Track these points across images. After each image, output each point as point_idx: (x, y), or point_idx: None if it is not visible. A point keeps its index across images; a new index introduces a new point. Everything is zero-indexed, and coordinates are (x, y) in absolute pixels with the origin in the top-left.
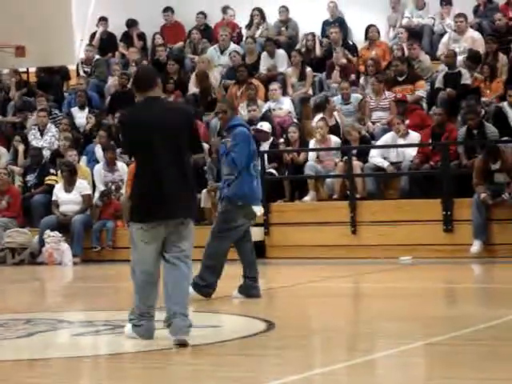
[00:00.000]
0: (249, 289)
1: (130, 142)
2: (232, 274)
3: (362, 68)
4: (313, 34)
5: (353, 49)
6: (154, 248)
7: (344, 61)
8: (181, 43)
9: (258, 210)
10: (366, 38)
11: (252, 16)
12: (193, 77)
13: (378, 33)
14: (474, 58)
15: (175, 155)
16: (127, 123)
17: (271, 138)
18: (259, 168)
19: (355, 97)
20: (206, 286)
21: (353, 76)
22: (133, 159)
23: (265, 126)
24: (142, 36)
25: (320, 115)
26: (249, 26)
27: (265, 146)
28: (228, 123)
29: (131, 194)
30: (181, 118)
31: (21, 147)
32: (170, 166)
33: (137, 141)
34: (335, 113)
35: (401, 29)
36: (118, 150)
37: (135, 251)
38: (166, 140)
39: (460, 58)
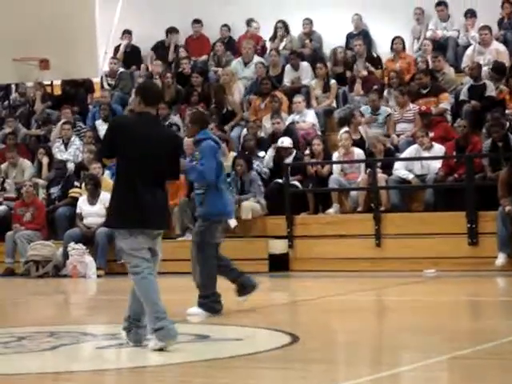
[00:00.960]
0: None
1: (119, 147)
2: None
3: (386, 80)
4: (342, 47)
5: (377, 61)
6: (146, 250)
7: (365, 73)
8: (205, 56)
9: (233, 222)
10: (392, 50)
11: (276, 28)
12: None
13: (403, 45)
14: (498, 70)
15: (159, 175)
16: (121, 130)
17: (294, 152)
18: (227, 180)
19: (384, 109)
20: (214, 302)
21: (376, 87)
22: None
23: (286, 142)
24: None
25: (345, 129)
26: (273, 39)
27: (288, 159)
28: (196, 136)
29: (112, 202)
30: (171, 142)
31: (45, 160)
32: (153, 183)
33: (128, 152)
34: (360, 126)
35: (426, 41)
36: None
37: (131, 257)
38: (156, 159)
39: (485, 70)
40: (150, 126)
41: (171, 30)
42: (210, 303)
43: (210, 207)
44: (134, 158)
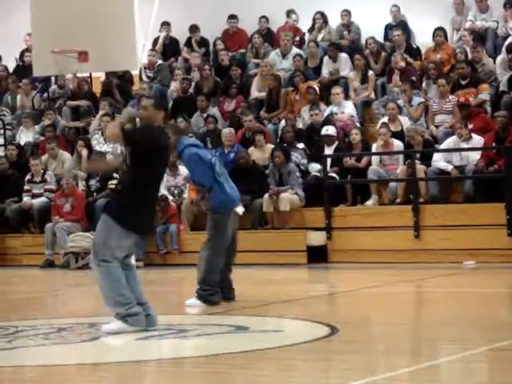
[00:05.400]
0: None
1: (148, 155)
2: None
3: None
4: (373, 38)
5: (416, 52)
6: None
7: (403, 64)
8: (243, 50)
9: (240, 210)
10: (434, 41)
11: (314, 20)
12: (255, 81)
13: (446, 36)
14: None
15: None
16: (152, 139)
17: (336, 143)
18: (223, 169)
19: (417, 100)
20: (211, 294)
21: (413, 79)
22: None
23: (330, 130)
24: (202, 42)
25: (383, 120)
26: (311, 30)
27: (330, 149)
28: (176, 149)
29: (126, 200)
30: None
31: (84, 152)
32: (158, 191)
33: (154, 161)
34: (399, 116)
35: (465, 32)
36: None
37: (109, 251)
38: (165, 169)
39: None
40: (165, 138)
41: (192, 29)
42: (207, 295)
43: (215, 201)
44: (156, 167)
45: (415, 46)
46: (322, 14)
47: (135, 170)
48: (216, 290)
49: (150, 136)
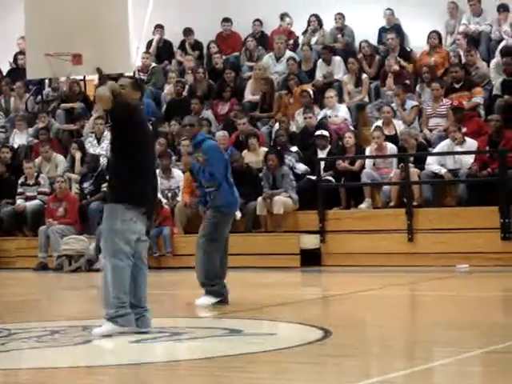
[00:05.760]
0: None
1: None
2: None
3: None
4: (366, 41)
5: (409, 55)
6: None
7: (396, 67)
8: (237, 52)
9: (238, 214)
10: (428, 44)
11: (309, 22)
12: (249, 84)
13: (440, 39)
14: None
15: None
16: (137, 113)
17: (329, 146)
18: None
19: (410, 103)
20: (221, 288)
21: (407, 82)
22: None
23: (324, 133)
24: (196, 45)
25: (376, 123)
26: (305, 33)
27: (322, 154)
28: (194, 139)
29: (124, 179)
30: None
31: (78, 155)
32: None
33: (137, 130)
34: (393, 120)
35: (459, 35)
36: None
37: (122, 241)
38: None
39: None
40: (143, 115)
41: (186, 32)
42: (218, 289)
43: (222, 200)
44: (137, 139)
45: (409, 50)
46: (317, 17)
47: (119, 145)
48: (220, 283)
49: (129, 109)
